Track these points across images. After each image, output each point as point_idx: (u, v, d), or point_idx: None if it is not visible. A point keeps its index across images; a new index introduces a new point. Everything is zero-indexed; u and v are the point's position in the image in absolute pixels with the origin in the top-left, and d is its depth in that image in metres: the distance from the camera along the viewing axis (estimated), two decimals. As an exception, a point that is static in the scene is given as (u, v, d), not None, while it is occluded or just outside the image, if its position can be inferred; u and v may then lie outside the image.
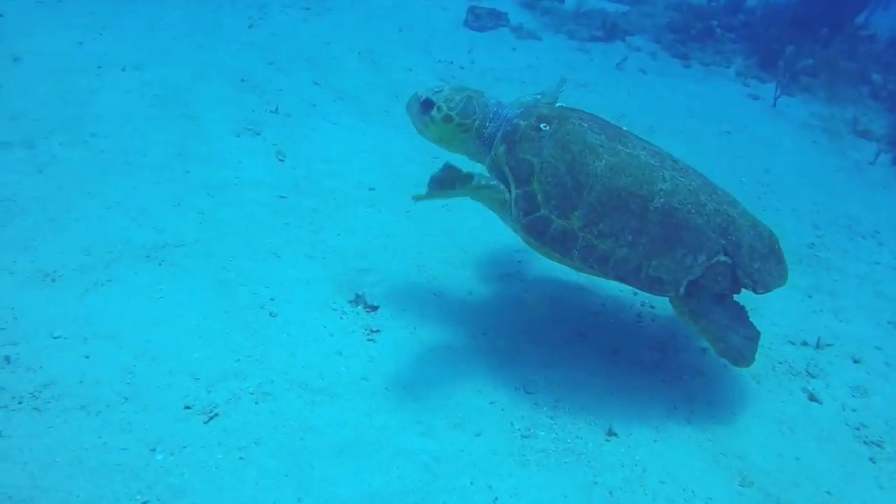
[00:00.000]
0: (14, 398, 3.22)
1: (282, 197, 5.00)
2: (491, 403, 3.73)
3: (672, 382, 4.07)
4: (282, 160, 5.44)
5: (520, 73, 8.16)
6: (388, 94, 6.92)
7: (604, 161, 3.59)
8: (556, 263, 3.87)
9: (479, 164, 4.05)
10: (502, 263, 4.79)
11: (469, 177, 3.50)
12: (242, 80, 6.57)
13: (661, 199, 3.57)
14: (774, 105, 8.76)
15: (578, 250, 3.58)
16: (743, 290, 3.75)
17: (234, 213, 4.73)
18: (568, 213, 3.57)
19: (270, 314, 3.97)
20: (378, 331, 4.03)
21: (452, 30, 9.31)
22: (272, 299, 4.08)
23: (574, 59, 9.16)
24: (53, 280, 3.93)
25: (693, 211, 3.61)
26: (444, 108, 3.79)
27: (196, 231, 4.48)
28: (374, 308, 4.18)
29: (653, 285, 3.60)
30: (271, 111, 6.12)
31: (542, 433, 3.61)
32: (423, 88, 3.92)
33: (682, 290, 3.61)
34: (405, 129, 4.31)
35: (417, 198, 3.47)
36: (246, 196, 4.92)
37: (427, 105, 3.82)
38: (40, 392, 3.27)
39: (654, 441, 3.67)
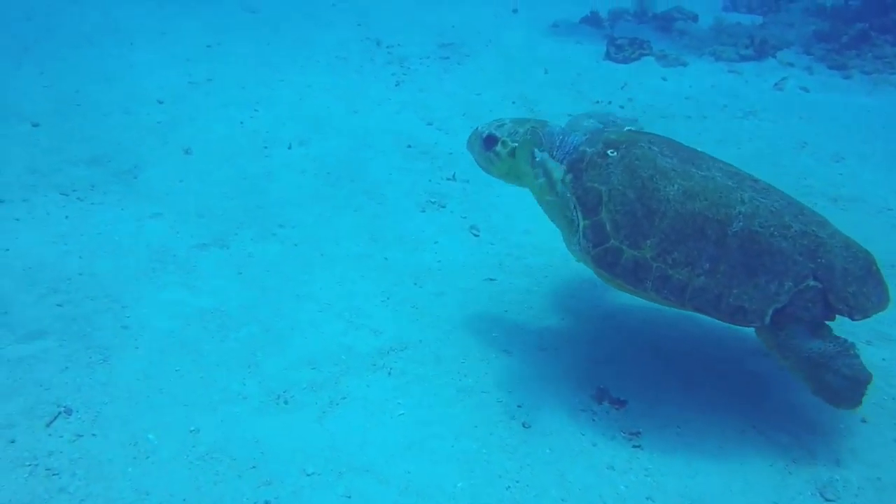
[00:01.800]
0: (287, 556, 2.90)
1: (490, 280, 4.65)
2: (793, 518, 3.24)
3: None
4: (476, 235, 5.11)
5: (681, 107, 7.66)
6: (559, 147, 6.53)
7: (676, 185, 3.38)
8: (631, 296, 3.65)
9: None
10: (744, 338, 4.29)
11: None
12: (409, 147, 6.29)
13: (741, 223, 3.33)
14: (962, 113, 8.00)
15: (652, 281, 3.37)
16: (839, 316, 3.42)
17: (448, 303, 4.40)
18: (639, 242, 3.37)
19: (524, 425, 3.59)
20: (638, 433, 3.61)
21: (595, 64, 8.90)
22: (519, 406, 3.70)
23: (730, 83, 8.60)
24: (286, 402, 3.65)
25: (777, 234, 3.35)
26: (510, 142, 3.69)
27: (416, 330, 4.16)
28: (623, 403, 3.77)
29: (735, 315, 3.35)
30: (448, 178, 5.81)
31: (864, 556, 3.10)
32: (483, 123, 3.82)
33: (767, 319, 3.33)
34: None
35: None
36: (454, 282, 4.59)
37: (491, 141, 3.73)
38: (312, 545, 2.95)
39: None
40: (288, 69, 7.94)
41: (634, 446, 3.53)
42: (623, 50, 9.01)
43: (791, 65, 9.26)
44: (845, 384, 3.35)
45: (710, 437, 3.60)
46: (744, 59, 9.30)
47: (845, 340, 3.44)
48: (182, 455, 3.30)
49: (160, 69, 7.72)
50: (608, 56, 9.04)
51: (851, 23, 10.12)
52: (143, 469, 3.22)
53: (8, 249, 4.58)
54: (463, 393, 3.76)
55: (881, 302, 3.50)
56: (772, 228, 3.36)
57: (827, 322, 3.47)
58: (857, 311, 3.41)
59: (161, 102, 6.86)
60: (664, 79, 8.56)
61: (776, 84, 8.56)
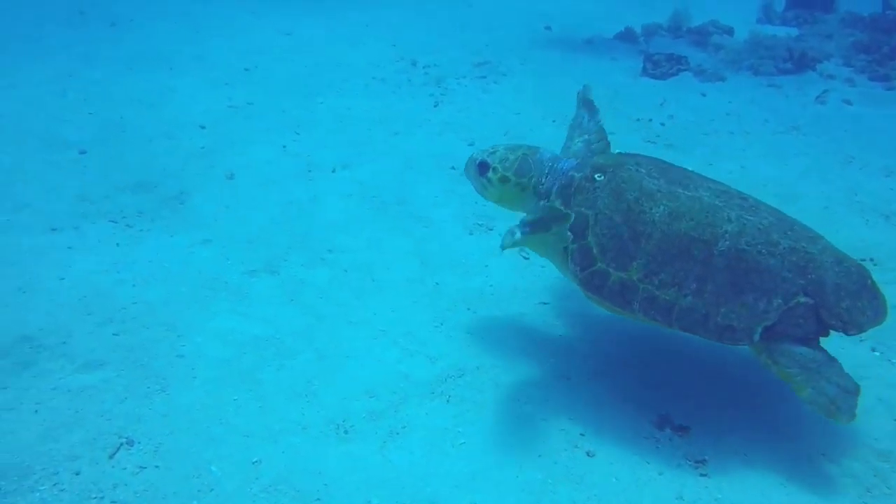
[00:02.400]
0: (358, 592, 2.86)
1: (543, 303, 4.61)
2: (871, 550, 3.15)
3: None
4: (526, 258, 5.07)
5: (723, 123, 7.58)
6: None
7: (662, 207, 3.44)
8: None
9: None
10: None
11: (567, 215, 3.48)
12: (452, 168, 6.26)
13: (727, 242, 3.37)
14: None
15: (639, 302, 3.42)
16: (833, 332, 3.44)
17: (503, 328, 4.36)
18: (626, 264, 3.43)
19: (587, 454, 3.54)
20: (704, 461, 3.54)
21: (632, 81, 8.84)
22: (582, 434, 3.65)
23: (769, 98, 8.51)
24: (346, 432, 3.63)
25: (764, 251, 3.37)
26: (500, 168, 3.81)
27: (472, 356, 4.13)
28: (685, 430, 3.70)
29: (723, 334, 3.37)
30: (493, 200, 5.75)
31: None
32: (477, 150, 3.93)
33: (756, 337, 3.36)
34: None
35: (506, 246, 3.38)
36: (507, 307, 4.56)
37: (483, 167, 3.85)
38: (381, 581, 2.91)
39: None
40: (326, 91, 7.96)
41: (701, 475, 3.47)
42: (660, 66, 8.95)
43: (832, 77, 9.15)
44: (839, 393, 3.32)
45: (779, 464, 3.53)
46: (783, 72, 9.21)
47: (833, 357, 3.44)
48: (245, 487, 3.28)
49: (200, 94, 7.78)
50: (645, 72, 8.99)
51: (890, 32, 10.03)
52: (208, 503, 3.20)
53: (63, 279, 4.60)
54: (524, 420, 3.72)
55: (877, 316, 3.50)
56: (759, 246, 3.38)
57: (821, 338, 3.47)
58: (852, 326, 3.42)
59: (203, 127, 6.90)
60: (703, 94, 8.48)
61: (818, 97, 8.46)
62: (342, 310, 4.47)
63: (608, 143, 4.16)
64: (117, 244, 5.05)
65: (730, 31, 10.60)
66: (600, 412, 3.79)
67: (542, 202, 3.80)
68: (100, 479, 3.30)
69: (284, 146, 6.62)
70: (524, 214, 3.85)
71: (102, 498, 3.22)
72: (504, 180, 3.83)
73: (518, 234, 3.38)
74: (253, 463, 3.41)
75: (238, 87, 8.02)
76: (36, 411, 3.65)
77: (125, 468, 3.37)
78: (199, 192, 5.80)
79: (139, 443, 3.50)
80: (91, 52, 8.88)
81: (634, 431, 3.70)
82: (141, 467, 3.37)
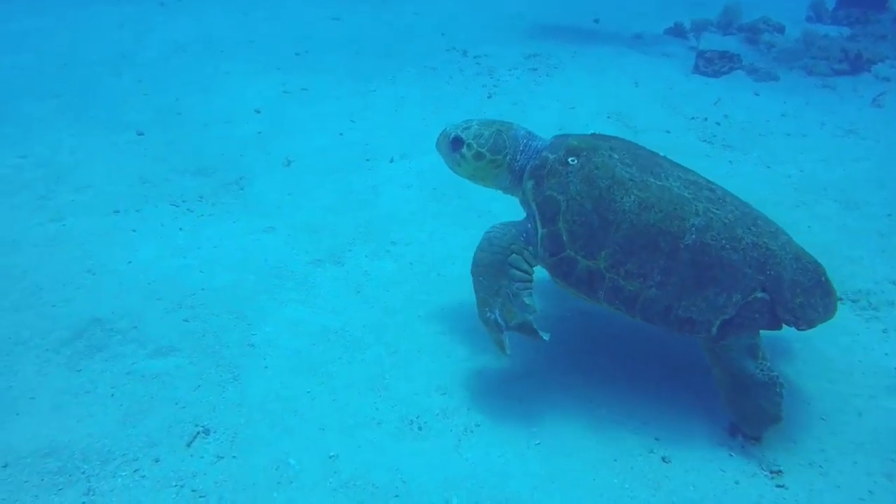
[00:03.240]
0: (442, 592, 2.85)
1: (610, 303, 4.54)
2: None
3: None
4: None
5: (779, 124, 7.48)
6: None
7: (632, 197, 3.46)
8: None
9: (511, 197, 3.99)
10: (880, 374, 4.15)
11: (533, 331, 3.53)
12: (510, 162, 6.20)
13: (693, 236, 3.40)
14: None
15: (604, 291, 3.46)
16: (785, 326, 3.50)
17: (570, 328, 4.34)
18: (594, 253, 3.46)
19: (663, 459, 3.51)
20: (780, 471, 3.49)
21: (685, 77, 8.74)
22: (657, 439, 3.62)
23: (824, 99, 8.37)
24: (420, 428, 3.62)
25: (728, 246, 3.42)
26: (475, 145, 3.78)
27: (541, 356, 4.10)
28: (757, 438, 3.65)
29: (683, 326, 3.43)
30: (553, 196, 5.71)
31: None
32: (450, 125, 3.90)
33: (714, 330, 3.42)
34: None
35: (502, 351, 3.55)
36: (573, 305, 4.51)
37: (457, 143, 3.83)
38: (465, 581, 2.90)
39: None
40: (379, 78, 7.94)
41: (778, 486, 3.43)
42: (713, 63, 8.84)
43: (887, 79, 9.00)
44: (756, 413, 3.48)
45: (857, 479, 3.48)
46: (837, 73, 9.07)
47: (776, 374, 3.49)
48: (324, 481, 3.29)
49: (253, 78, 7.78)
50: (697, 69, 8.89)
51: (946, 35, 9.84)
52: (289, 495, 3.21)
53: (130, 262, 4.63)
54: (597, 422, 3.69)
55: (828, 312, 3.58)
56: (723, 241, 3.42)
57: (774, 331, 3.52)
58: (803, 322, 3.48)
59: (258, 112, 6.90)
60: (756, 94, 8.37)
61: (874, 100, 8.32)
62: (410, 304, 4.46)
63: None
64: (180, 228, 5.06)
65: (781, 29, 10.45)
66: (673, 416, 3.76)
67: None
68: (179, 467, 3.32)
69: (341, 133, 6.60)
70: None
71: (182, 486, 3.23)
72: (479, 157, 3.80)
73: (506, 345, 3.55)
74: (330, 457, 3.42)
75: (291, 73, 8.01)
76: (112, 395, 3.68)
77: (203, 457, 3.38)
78: (259, 177, 5.80)
79: (215, 432, 3.52)
80: (142, 33, 8.91)
81: (708, 437, 3.66)
82: (219, 457, 3.39)
